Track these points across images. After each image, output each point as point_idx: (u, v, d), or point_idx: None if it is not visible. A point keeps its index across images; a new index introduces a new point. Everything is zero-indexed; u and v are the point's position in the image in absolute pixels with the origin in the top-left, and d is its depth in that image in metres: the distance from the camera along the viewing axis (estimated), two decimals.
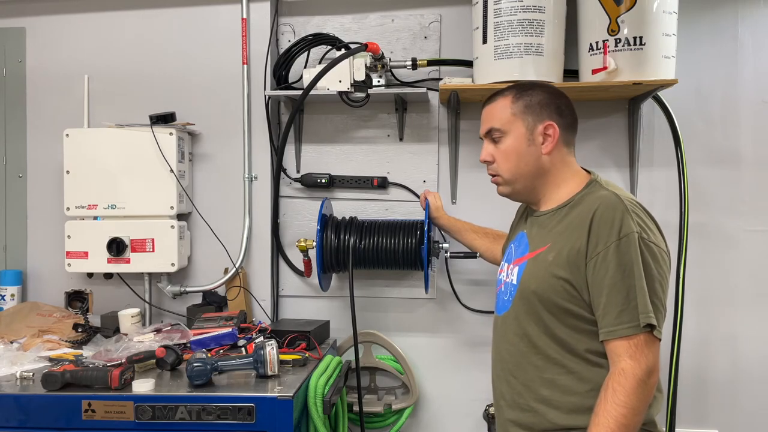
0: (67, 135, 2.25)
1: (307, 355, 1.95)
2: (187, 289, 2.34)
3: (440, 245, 2.16)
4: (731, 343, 2.25)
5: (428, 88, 2.24)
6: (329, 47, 2.30)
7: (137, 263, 2.22)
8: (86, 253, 2.23)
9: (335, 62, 2.10)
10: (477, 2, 2.05)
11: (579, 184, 1.46)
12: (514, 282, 1.48)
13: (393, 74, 2.31)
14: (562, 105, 1.48)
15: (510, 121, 1.49)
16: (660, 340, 1.30)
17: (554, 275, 1.36)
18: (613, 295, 1.29)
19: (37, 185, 2.44)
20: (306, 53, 2.30)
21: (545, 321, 1.39)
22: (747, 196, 2.23)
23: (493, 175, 1.55)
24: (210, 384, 1.70)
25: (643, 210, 1.37)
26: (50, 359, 1.90)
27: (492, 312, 2.24)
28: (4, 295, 2.36)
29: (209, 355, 1.78)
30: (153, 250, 2.22)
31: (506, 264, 1.57)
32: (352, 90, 2.16)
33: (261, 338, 2.00)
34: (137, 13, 2.39)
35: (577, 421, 1.35)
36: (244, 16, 2.31)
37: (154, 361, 1.83)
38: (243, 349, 1.95)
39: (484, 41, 2.03)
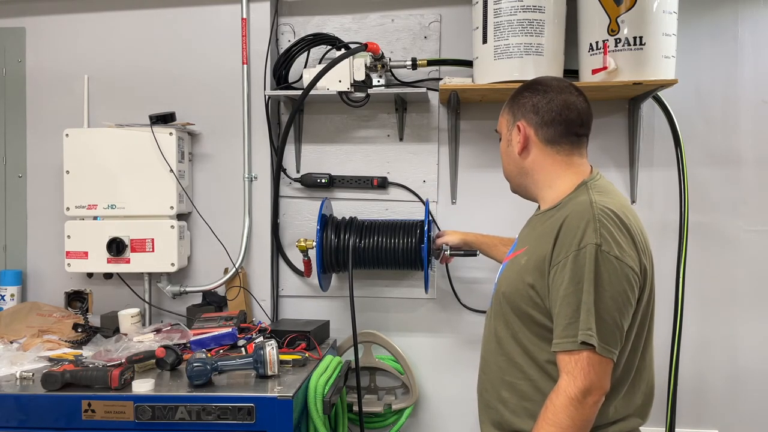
0: (67, 135, 2.25)
1: (307, 355, 1.95)
2: (187, 289, 2.34)
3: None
4: (731, 343, 2.25)
5: (428, 88, 2.24)
6: (329, 47, 2.30)
7: (137, 263, 2.22)
8: (86, 253, 2.23)
9: (335, 62, 2.10)
10: (477, 2, 2.05)
11: (571, 185, 1.40)
12: (496, 280, 1.49)
13: (393, 74, 2.31)
14: (540, 102, 1.41)
15: (500, 123, 1.53)
16: (612, 360, 1.23)
17: (523, 280, 1.34)
18: (564, 307, 1.24)
19: (37, 185, 2.44)
20: (306, 53, 2.30)
21: (512, 324, 1.38)
22: (747, 196, 2.23)
23: None
24: (210, 384, 1.70)
25: (616, 221, 1.27)
26: (50, 359, 1.90)
27: None
28: (4, 295, 2.36)
29: (209, 355, 1.77)
30: (153, 250, 2.22)
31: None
32: (352, 90, 2.16)
33: (261, 338, 2.00)
34: (137, 13, 2.39)
35: (530, 426, 1.32)
36: (244, 16, 2.31)
37: (154, 361, 1.83)
38: (243, 349, 1.95)
39: (484, 41, 2.03)
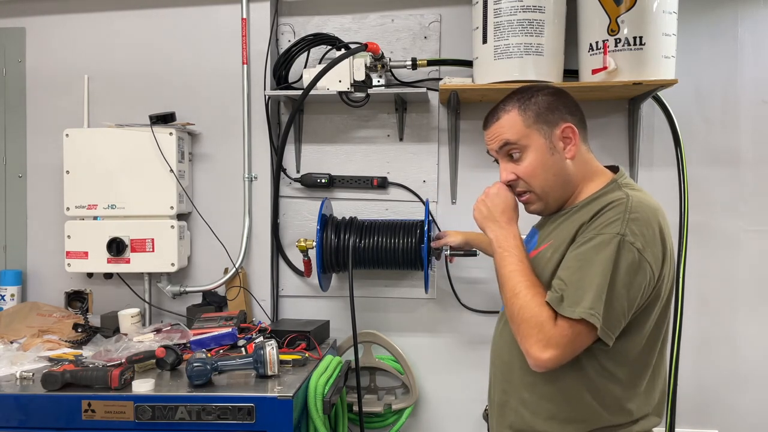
0: (67, 135, 2.25)
1: (307, 355, 1.95)
2: (187, 289, 2.34)
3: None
4: (731, 343, 2.25)
5: (428, 88, 2.24)
6: (329, 47, 2.30)
7: (137, 263, 2.22)
8: (86, 253, 2.23)
9: (335, 62, 2.10)
10: (477, 2, 2.05)
11: (599, 185, 1.38)
12: None
13: (393, 74, 2.31)
14: (569, 103, 1.39)
15: (526, 134, 1.37)
16: (604, 342, 1.22)
17: (550, 272, 1.32)
18: (566, 272, 1.25)
19: (37, 185, 2.45)
20: (306, 53, 2.30)
21: None
22: (747, 196, 2.23)
23: (523, 193, 1.42)
24: (210, 384, 1.70)
25: (650, 218, 1.27)
26: (50, 359, 1.90)
27: (491, 312, 2.26)
28: (4, 295, 2.36)
29: (209, 355, 1.77)
30: (153, 250, 2.22)
31: None
32: (352, 90, 2.16)
33: (261, 338, 2.00)
34: (137, 13, 2.40)
35: (552, 428, 1.32)
36: (244, 16, 2.32)
37: (154, 361, 1.83)
38: (243, 349, 1.95)
39: (484, 41, 2.03)
